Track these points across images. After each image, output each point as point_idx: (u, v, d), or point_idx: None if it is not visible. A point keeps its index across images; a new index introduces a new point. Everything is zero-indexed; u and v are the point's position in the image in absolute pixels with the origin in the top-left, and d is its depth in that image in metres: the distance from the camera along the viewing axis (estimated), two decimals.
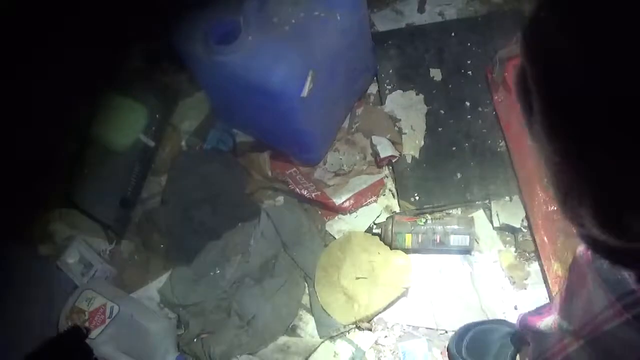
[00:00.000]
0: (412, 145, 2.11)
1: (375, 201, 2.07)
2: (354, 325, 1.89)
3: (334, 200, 2.04)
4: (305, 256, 1.99)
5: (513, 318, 1.79)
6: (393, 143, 2.10)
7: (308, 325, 1.92)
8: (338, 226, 2.05)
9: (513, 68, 2.00)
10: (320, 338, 1.89)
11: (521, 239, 1.94)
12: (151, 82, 2.27)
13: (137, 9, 2.05)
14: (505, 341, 1.71)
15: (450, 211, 2.03)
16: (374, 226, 2.00)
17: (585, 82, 0.49)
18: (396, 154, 2.08)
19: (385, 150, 2.07)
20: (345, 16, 1.87)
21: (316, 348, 1.87)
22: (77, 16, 1.93)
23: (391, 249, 1.94)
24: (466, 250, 1.93)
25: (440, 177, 2.05)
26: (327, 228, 2.05)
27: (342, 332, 1.88)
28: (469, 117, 2.14)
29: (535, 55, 0.56)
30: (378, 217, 2.04)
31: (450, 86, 2.21)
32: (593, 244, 0.62)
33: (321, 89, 1.84)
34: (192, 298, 1.98)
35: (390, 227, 1.93)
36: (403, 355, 1.82)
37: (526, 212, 1.95)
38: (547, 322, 1.43)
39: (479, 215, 2.00)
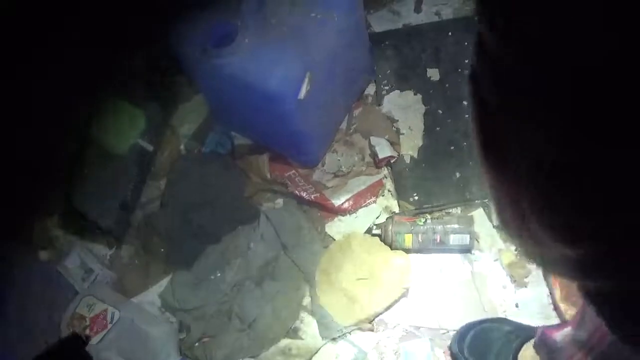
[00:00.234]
0: (411, 146, 2.11)
1: (375, 202, 2.06)
2: (356, 327, 1.88)
3: (333, 201, 2.04)
4: (305, 258, 1.99)
5: (514, 316, 1.79)
6: (391, 143, 2.10)
7: (309, 327, 1.92)
8: (338, 228, 2.05)
9: None
10: (322, 340, 1.88)
11: None
12: (150, 86, 2.27)
13: (137, 10, 2.05)
14: (507, 339, 1.71)
15: (450, 210, 2.02)
16: (374, 227, 2.00)
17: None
18: (394, 154, 2.08)
19: (384, 150, 2.07)
20: (342, 17, 1.87)
21: (318, 350, 1.87)
22: (77, 16, 1.93)
23: (391, 249, 1.94)
24: (466, 249, 1.93)
25: (439, 176, 2.05)
26: (326, 230, 2.05)
27: (343, 334, 1.88)
28: (467, 116, 2.13)
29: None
30: (377, 217, 2.04)
31: (447, 86, 2.21)
32: (526, 254, 0.64)
33: (319, 91, 1.84)
34: (193, 302, 1.98)
35: (389, 227, 1.93)
36: (405, 356, 1.81)
37: None
38: (564, 332, 1.43)
39: (479, 213, 1.99)
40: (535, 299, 1.85)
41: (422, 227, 1.91)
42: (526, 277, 1.88)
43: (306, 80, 1.78)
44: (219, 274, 2.00)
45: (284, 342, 1.90)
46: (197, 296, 1.98)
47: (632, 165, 0.45)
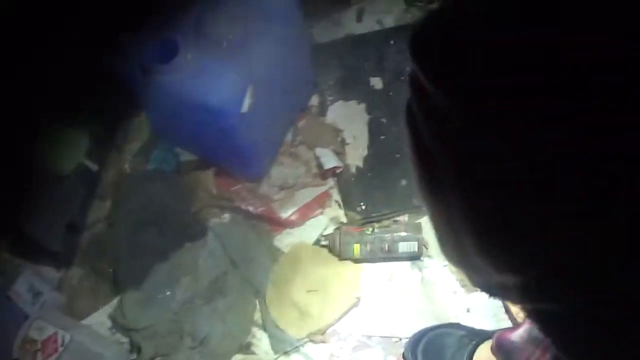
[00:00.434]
0: (356, 155, 2.11)
1: (322, 213, 2.06)
2: (308, 339, 1.88)
3: (281, 214, 2.03)
4: (255, 273, 1.97)
5: (466, 321, 1.80)
6: (337, 154, 2.10)
7: (262, 342, 1.91)
8: (286, 240, 2.04)
9: None
10: (275, 354, 1.87)
11: None
12: (93, 105, 2.24)
13: (77, 26, 2.03)
14: (461, 343, 1.71)
15: (398, 218, 2.02)
16: (322, 238, 1.99)
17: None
18: (340, 164, 2.08)
19: (329, 161, 2.07)
20: (282, 29, 1.87)
21: None
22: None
23: (340, 260, 1.94)
24: (415, 257, 1.93)
25: (386, 185, 2.05)
26: (275, 243, 2.04)
27: (296, 347, 1.87)
28: None
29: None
30: (325, 229, 2.04)
31: (391, 94, 2.21)
32: (470, 280, 0.65)
33: (262, 104, 1.83)
34: (144, 321, 1.95)
35: (337, 238, 1.93)
36: None
37: None
38: (520, 332, 1.44)
39: (427, 220, 1.98)
40: (487, 303, 1.86)
41: (370, 237, 1.91)
42: None
43: (248, 93, 1.77)
44: (168, 292, 1.97)
45: (237, 358, 1.89)
46: (147, 315, 1.96)
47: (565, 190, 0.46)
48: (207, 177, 2.10)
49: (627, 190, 0.43)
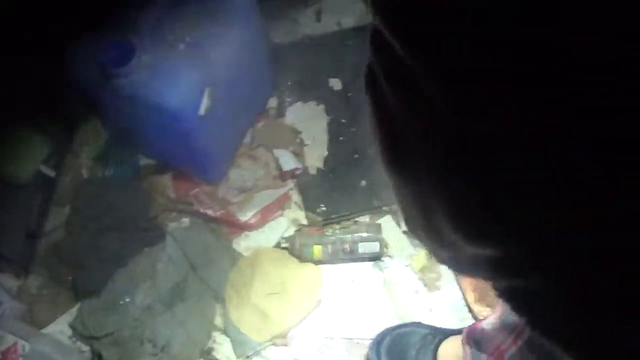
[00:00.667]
0: (316, 156, 2.10)
1: (282, 215, 2.05)
2: (270, 342, 1.86)
3: (240, 217, 2.01)
4: (215, 276, 1.96)
5: (429, 321, 1.79)
6: (296, 155, 2.09)
7: (223, 347, 1.89)
8: (246, 243, 2.02)
9: None
10: (237, 358, 1.86)
11: None
12: (49, 110, 2.22)
13: (29, 33, 2.01)
14: (425, 341, 1.71)
15: (358, 219, 2.02)
16: (282, 240, 1.98)
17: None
18: (299, 166, 2.07)
19: (288, 163, 2.06)
20: (240, 31, 1.86)
21: None
22: None
23: (301, 262, 1.93)
24: (377, 257, 1.93)
25: (346, 185, 2.05)
26: (234, 246, 2.02)
27: (258, 351, 1.85)
28: None
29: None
30: (285, 231, 2.02)
31: (350, 94, 2.21)
32: (436, 257, 0.62)
33: (220, 106, 1.82)
34: (104, 329, 1.93)
35: (298, 240, 1.92)
36: None
37: None
38: (491, 320, 1.44)
39: (387, 220, 2.00)
40: (449, 303, 1.87)
41: (330, 238, 1.90)
42: (438, 280, 1.89)
43: (206, 95, 1.76)
44: (127, 299, 1.95)
45: None
46: (108, 322, 1.93)
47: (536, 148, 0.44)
48: (165, 181, 2.08)
49: (619, 167, 0.42)
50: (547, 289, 0.52)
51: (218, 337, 1.90)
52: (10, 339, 1.84)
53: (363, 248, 1.89)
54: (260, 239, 2.02)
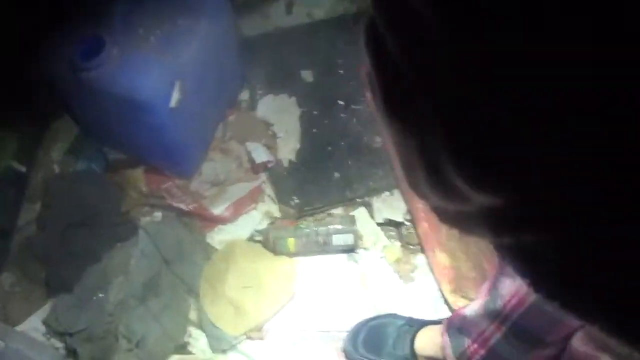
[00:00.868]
0: (288, 149, 2.10)
1: (255, 208, 2.04)
2: (245, 336, 1.85)
3: (213, 210, 2.00)
4: (188, 271, 1.94)
5: (404, 312, 1.79)
6: (268, 148, 2.08)
7: (198, 342, 1.88)
8: (219, 237, 2.01)
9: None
10: (213, 353, 1.84)
11: (405, 232, 1.95)
12: (19, 106, 2.20)
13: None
14: (401, 331, 1.71)
15: (332, 211, 2.02)
16: (256, 234, 1.97)
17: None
18: (272, 158, 2.06)
19: (261, 155, 2.05)
20: (210, 24, 1.85)
21: None
22: None
23: (275, 255, 1.92)
24: (351, 249, 1.92)
25: (319, 178, 2.05)
26: (208, 240, 2.00)
27: (233, 345, 1.84)
28: (343, 115, 2.14)
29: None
30: (259, 224, 2.01)
31: (322, 86, 2.20)
32: (440, 214, 0.60)
33: (191, 99, 1.81)
34: (78, 325, 1.91)
35: (271, 233, 1.91)
36: None
37: (407, 205, 1.96)
38: (473, 306, 1.44)
39: (361, 212, 2.00)
40: (425, 293, 1.87)
41: (304, 231, 1.90)
42: (412, 271, 1.89)
43: (176, 88, 1.75)
44: (101, 295, 1.93)
45: (174, 358, 1.85)
46: (82, 319, 1.91)
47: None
48: (137, 175, 2.07)
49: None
50: (555, 244, 0.50)
51: (193, 331, 1.89)
52: None
53: (337, 240, 1.88)
54: (234, 233, 2.01)
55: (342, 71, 2.22)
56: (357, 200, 2.01)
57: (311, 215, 2.00)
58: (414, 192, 0.60)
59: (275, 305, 1.86)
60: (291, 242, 1.89)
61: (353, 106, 2.15)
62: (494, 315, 1.35)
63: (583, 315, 0.52)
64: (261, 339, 1.85)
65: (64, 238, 2.01)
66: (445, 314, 1.79)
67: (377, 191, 2.02)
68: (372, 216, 1.98)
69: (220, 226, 2.02)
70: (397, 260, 1.91)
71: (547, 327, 1.27)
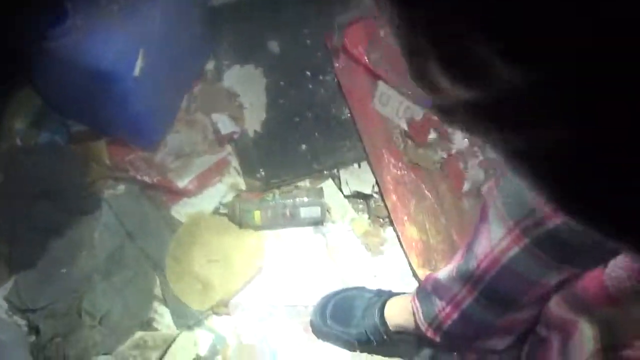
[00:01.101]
0: (254, 120, 2.07)
1: (220, 181, 2.01)
2: (212, 311, 1.83)
3: (177, 183, 1.97)
4: (153, 245, 1.92)
5: (373, 286, 1.78)
6: (234, 119, 2.05)
7: (164, 317, 1.86)
8: (184, 210, 1.98)
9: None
10: (178, 329, 1.83)
11: (373, 205, 1.94)
12: None
13: None
14: (370, 302, 1.70)
15: (299, 184, 2.00)
16: (221, 206, 1.95)
17: None
18: (237, 129, 2.03)
19: (226, 126, 2.02)
20: None
21: (174, 340, 1.81)
22: None
23: (241, 228, 1.90)
24: (318, 222, 1.91)
25: (285, 149, 2.02)
26: (173, 213, 1.97)
27: (199, 320, 1.83)
28: (311, 86, 2.11)
29: None
30: (224, 196, 1.99)
31: (288, 57, 2.17)
32: (445, 113, 0.55)
33: (155, 68, 1.79)
34: (41, 301, 1.88)
35: (237, 206, 1.89)
36: (265, 336, 1.78)
37: (376, 178, 1.95)
38: (447, 270, 1.43)
39: (329, 184, 1.98)
40: (393, 267, 1.87)
41: (270, 203, 1.88)
42: (382, 245, 1.89)
43: (140, 56, 1.73)
44: (64, 270, 1.90)
45: (138, 334, 1.83)
46: (45, 294, 1.88)
47: None
48: (100, 147, 2.03)
49: None
50: (572, 143, 0.46)
51: (159, 307, 1.87)
52: None
53: (304, 213, 1.87)
54: (199, 206, 1.98)
55: (309, 41, 2.19)
56: (325, 172, 2.00)
57: (278, 187, 1.98)
58: (416, 84, 0.55)
59: (241, 279, 1.85)
60: (257, 214, 1.87)
61: (320, 77, 2.12)
62: (466, 277, 1.34)
63: (608, 231, 0.48)
64: (228, 314, 1.83)
65: (26, 212, 1.98)
66: (415, 287, 1.78)
67: (344, 163, 2.00)
68: (339, 189, 1.97)
69: (185, 199, 1.99)
70: (366, 233, 1.90)
71: (521, 287, 1.27)
